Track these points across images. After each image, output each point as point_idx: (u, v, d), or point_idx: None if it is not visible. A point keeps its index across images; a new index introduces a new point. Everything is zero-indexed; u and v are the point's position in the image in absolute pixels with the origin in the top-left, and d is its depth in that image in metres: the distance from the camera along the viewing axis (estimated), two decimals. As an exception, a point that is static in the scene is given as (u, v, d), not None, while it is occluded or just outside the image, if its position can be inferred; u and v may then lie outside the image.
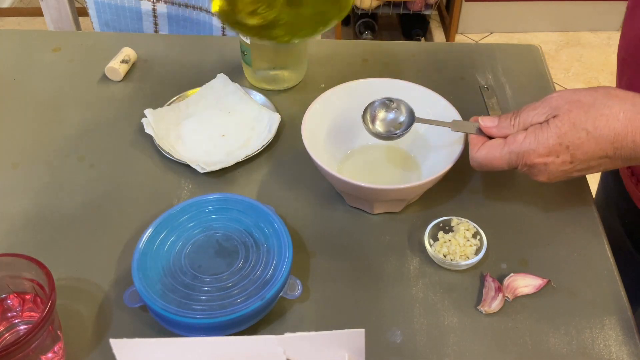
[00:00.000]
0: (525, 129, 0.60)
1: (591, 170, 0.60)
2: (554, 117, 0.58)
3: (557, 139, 0.58)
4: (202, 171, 0.75)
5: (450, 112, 0.71)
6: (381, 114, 0.70)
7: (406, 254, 0.68)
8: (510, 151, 0.60)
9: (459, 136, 0.69)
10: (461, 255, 0.65)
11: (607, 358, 0.58)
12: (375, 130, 0.69)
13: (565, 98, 0.59)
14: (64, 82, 0.90)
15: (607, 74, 2.43)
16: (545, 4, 2.58)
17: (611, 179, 0.88)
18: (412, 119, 0.69)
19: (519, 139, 0.60)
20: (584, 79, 2.40)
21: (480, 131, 0.64)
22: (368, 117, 0.69)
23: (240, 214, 0.66)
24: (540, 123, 0.59)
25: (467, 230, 0.67)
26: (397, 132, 0.69)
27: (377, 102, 0.70)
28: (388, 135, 0.70)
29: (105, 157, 0.79)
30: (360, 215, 0.72)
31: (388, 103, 0.70)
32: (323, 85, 0.89)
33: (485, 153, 0.62)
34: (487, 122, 0.63)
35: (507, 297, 0.63)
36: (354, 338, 0.41)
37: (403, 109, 0.70)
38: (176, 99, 0.86)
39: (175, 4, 1.13)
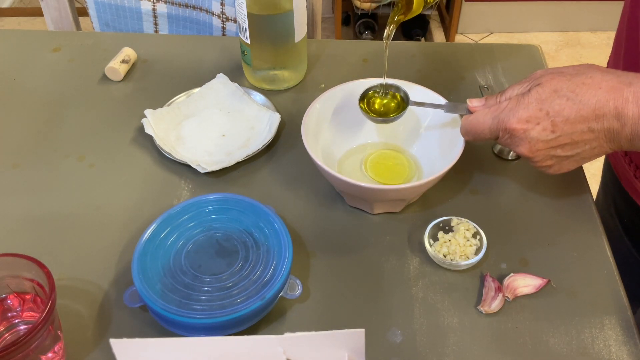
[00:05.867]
0: (510, 97, 0.62)
1: (576, 147, 0.59)
2: (537, 85, 0.59)
3: (537, 104, 0.58)
4: (202, 171, 0.75)
5: (450, 112, 0.71)
6: (377, 99, 0.72)
7: (406, 254, 0.68)
8: (493, 116, 0.61)
9: (459, 136, 0.69)
10: (461, 255, 0.65)
11: (607, 358, 0.58)
12: (371, 114, 0.71)
13: (548, 70, 0.60)
14: (64, 82, 0.90)
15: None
16: (545, 4, 2.58)
17: (610, 179, 0.88)
18: (407, 102, 0.71)
19: (502, 106, 0.61)
20: (584, 79, 2.40)
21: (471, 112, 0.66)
22: (365, 100, 0.72)
23: (240, 214, 0.66)
24: (526, 91, 0.60)
25: (467, 230, 0.67)
26: (393, 115, 0.71)
27: (373, 87, 0.72)
28: (384, 120, 0.71)
29: (105, 157, 0.79)
30: (360, 215, 0.72)
31: (384, 88, 0.72)
32: (323, 85, 0.89)
33: (471, 119, 0.64)
34: (474, 103, 0.65)
35: (507, 297, 0.63)
36: (354, 338, 0.41)
37: (398, 95, 0.72)
38: (176, 99, 0.86)
39: (175, 4, 1.13)
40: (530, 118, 0.59)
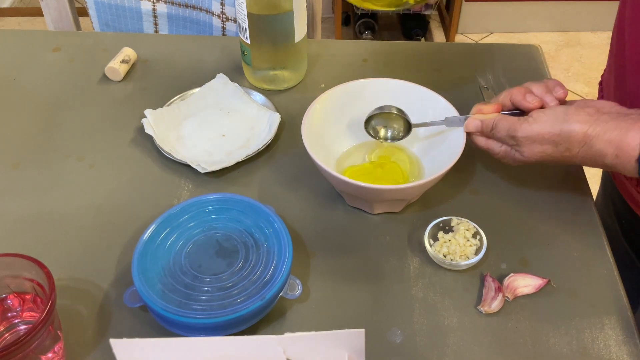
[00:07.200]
0: (501, 145, 0.67)
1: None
2: (521, 155, 0.65)
3: (523, 160, 0.66)
4: (202, 171, 0.75)
5: (449, 112, 0.71)
6: (381, 125, 0.73)
7: (406, 254, 0.68)
8: (488, 153, 0.69)
9: (459, 137, 0.69)
10: (461, 255, 0.65)
11: (607, 358, 0.58)
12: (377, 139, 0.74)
13: (530, 139, 0.64)
14: (64, 82, 0.90)
15: (607, 74, 2.42)
16: (545, 4, 2.57)
17: (610, 182, 0.88)
18: (409, 126, 0.72)
19: (495, 150, 0.68)
20: (583, 79, 2.40)
21: None
22: (370, 127, 0.73)
23: (240, 214, 0.66)
24: (511, 146, 0.66)
25: (467, 230, 0.67)
26: (396, 138, 0.74)
27: (374, 114, 0.72)
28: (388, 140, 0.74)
29: (105, 157, 0.79)
30: (360, 215, 0.72)
31: (386, 114, 0.73)
32: (323, 85, 0.89)
33: (471, 142, 0.70)
34: (470, 128, 0.69)
35: (507, 297, 0.63)
36: (354, 338, 0.41)
37: (400, 120, 0.72)
38: (176, 99, 0.86)
39: (175, 4, 1.13)
40: (518, 164, 0.67)
